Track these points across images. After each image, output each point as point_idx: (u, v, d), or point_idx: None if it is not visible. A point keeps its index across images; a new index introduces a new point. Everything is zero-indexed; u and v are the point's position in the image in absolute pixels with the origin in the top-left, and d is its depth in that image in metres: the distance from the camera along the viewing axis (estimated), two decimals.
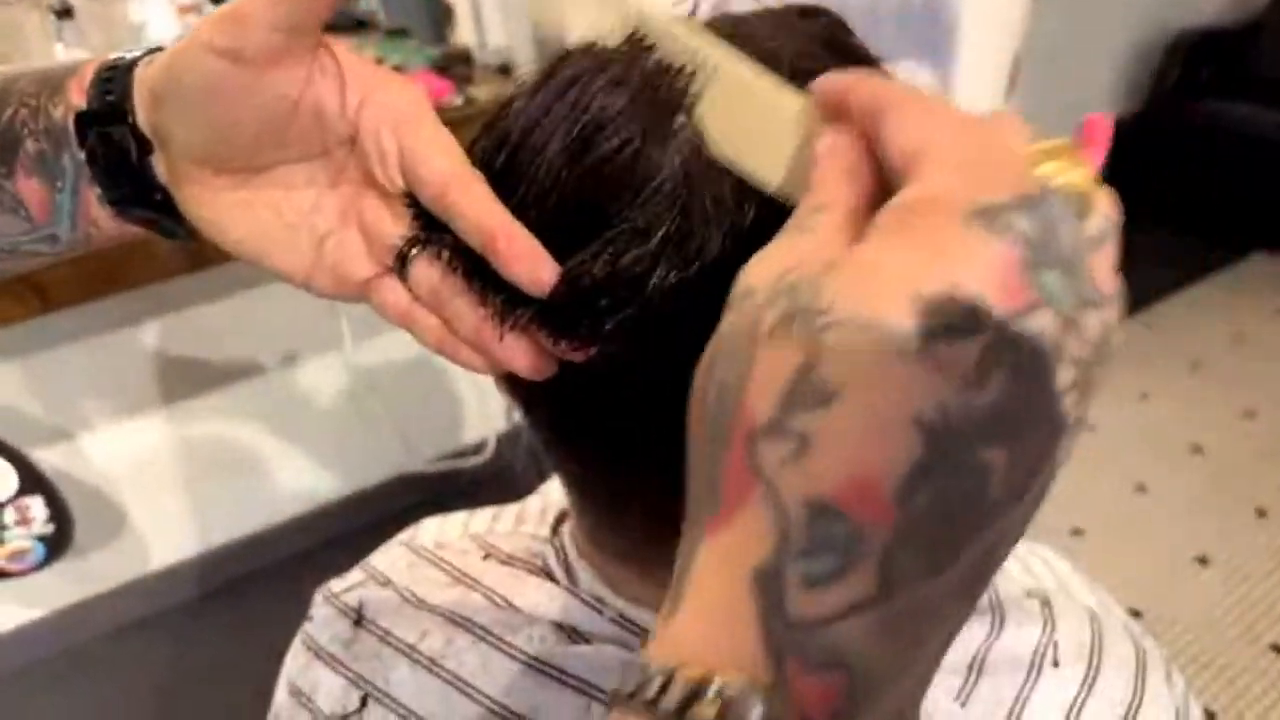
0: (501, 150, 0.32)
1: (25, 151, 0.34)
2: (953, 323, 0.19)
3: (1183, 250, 3.04)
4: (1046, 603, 0.42)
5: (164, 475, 1.81)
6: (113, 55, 0.33)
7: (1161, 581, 1.83)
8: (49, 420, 1.65)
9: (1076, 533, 1.95)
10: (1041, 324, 0.20)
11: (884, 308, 0.20)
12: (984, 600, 0.42)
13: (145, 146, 0.33)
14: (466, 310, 0.32)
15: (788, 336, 0.21)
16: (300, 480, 1.98)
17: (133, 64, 0.33)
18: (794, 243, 0.24)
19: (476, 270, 0.31)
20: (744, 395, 0.21)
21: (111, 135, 0.33)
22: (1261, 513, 1.99)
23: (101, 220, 0.35)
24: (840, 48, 0.34)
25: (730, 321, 0.23)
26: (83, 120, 0.33)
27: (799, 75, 0.32)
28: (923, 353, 0.19)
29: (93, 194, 0.35)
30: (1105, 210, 0.24)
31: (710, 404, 0.23)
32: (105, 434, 1.71)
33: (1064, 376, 0.20)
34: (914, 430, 0.19)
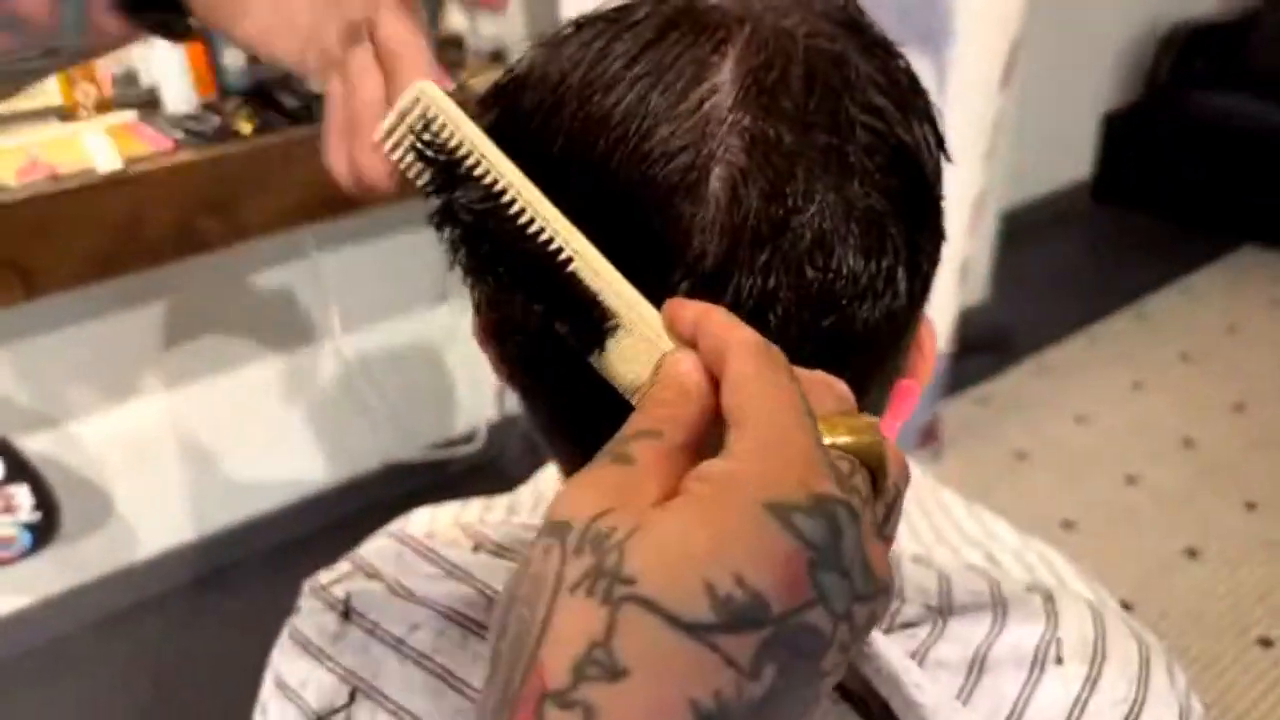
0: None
1: None
2: (738, 616, 0.20)
3: (1175, 241, 3.04)
4: (1049, 598, 0.41)
5: (152, 463, 1.80)
6: None
7: (1151, 574, 1.84)
8: (35, 407, 1.63)
9: (1067, 525, 1.96)
10: (816, 620, 0.21)
11: (681, 590, 0.20)
12: (985, 596, 0.41)
13: None
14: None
15: (590, 597, 0.21)
16: (290, 468, 1.97)
17: None
18: (613, 474, 0.24)
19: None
20: (540, 649, 0.21)
21: None
22: (1251, 506, 1.99)
23: (109, 26, 0.36)
24: (856, 26, 0.33)
25: (538, 561, 0.23)
26: None
27: (814, 55, 0.31)
28: (709, 642, 0.20)
29: (100, 1, 0.35)
30: (895, 476, 0.26)
31: (508, 643, 0.23)
32: (92, 421, 1.70)
33: (829, 661, 0.22)
34: (690, 716, 0.20)
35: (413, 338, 1.99)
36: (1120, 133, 3.24)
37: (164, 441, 1.79)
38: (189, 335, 1.74)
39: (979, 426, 2.26)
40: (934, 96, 0.35)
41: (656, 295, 0.29)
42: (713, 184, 0.29)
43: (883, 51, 0.33)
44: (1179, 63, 3.14)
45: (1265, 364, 2.46)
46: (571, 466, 0.41)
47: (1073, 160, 3.27)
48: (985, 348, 2.44)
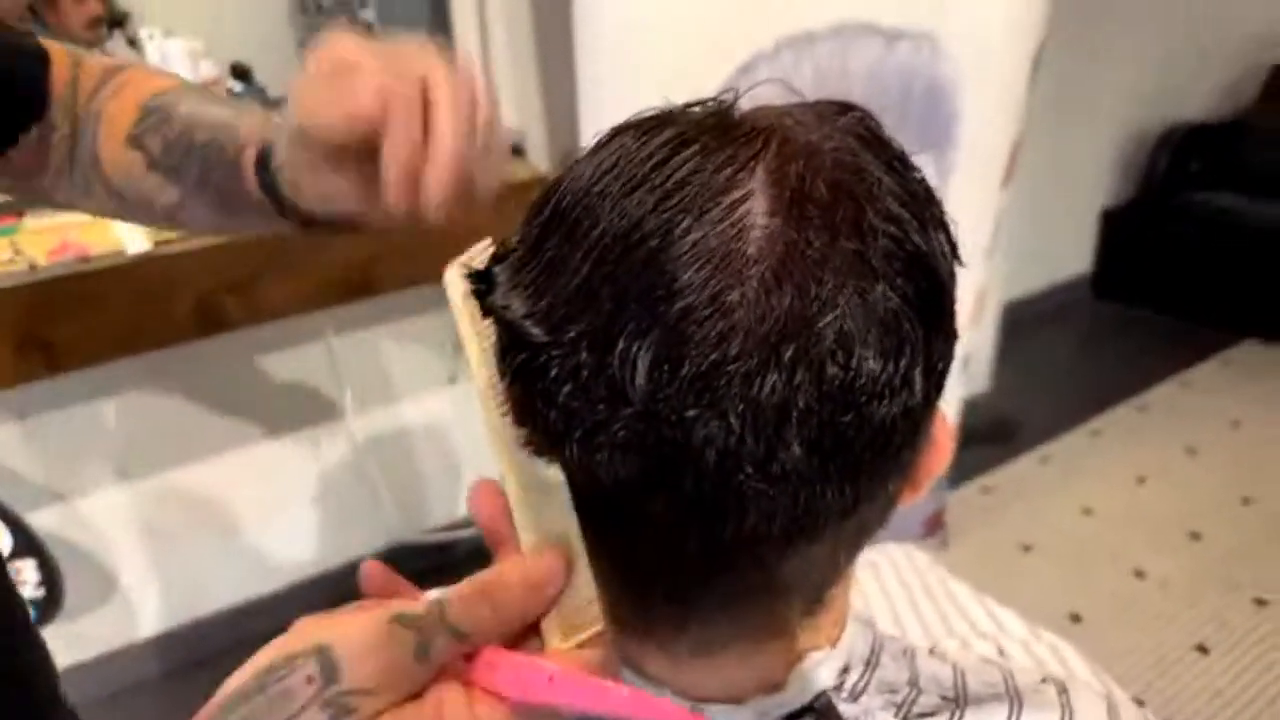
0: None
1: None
2: None
3: (1175, 336, 3.07)
4: (1063, 690, 0.42)
5: (158, 541, 1.79)
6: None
7: (1161, 670, 1.81)
8: (46, 482, 1.64)
9: (1074, 618, 1.94)
10: None
11: None
12: (1000, 686, 0.42)
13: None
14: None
15: None
16: (297, 548, 1.96)
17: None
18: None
19: None
20: None
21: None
22: (1261, 602, 1.97)
23: (249, 178, 0.57)
24: (877, 142, 0.35)
25: None
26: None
27: (839, 167, 0.34)
28: None
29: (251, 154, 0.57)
30: None
31: None
32: (101, 497, 1.71)
33: None
34: None
35: (422, 419, 2.01)
36: (1119, 229, 3.30)
37: (171, 519, 1.79)
38: (203, 414, 1.75)
39: (984, 516, 2.26)
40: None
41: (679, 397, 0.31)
42: (744, 285, 0.31)
43: (900, 165, 0.35)
44: (1175, 161, 3.23)
45: (1270, 457, 2.46)
46: (590, 554, 0.42)
47: (1073, 255, 3.33)
48: (989, 438, 2.45)
